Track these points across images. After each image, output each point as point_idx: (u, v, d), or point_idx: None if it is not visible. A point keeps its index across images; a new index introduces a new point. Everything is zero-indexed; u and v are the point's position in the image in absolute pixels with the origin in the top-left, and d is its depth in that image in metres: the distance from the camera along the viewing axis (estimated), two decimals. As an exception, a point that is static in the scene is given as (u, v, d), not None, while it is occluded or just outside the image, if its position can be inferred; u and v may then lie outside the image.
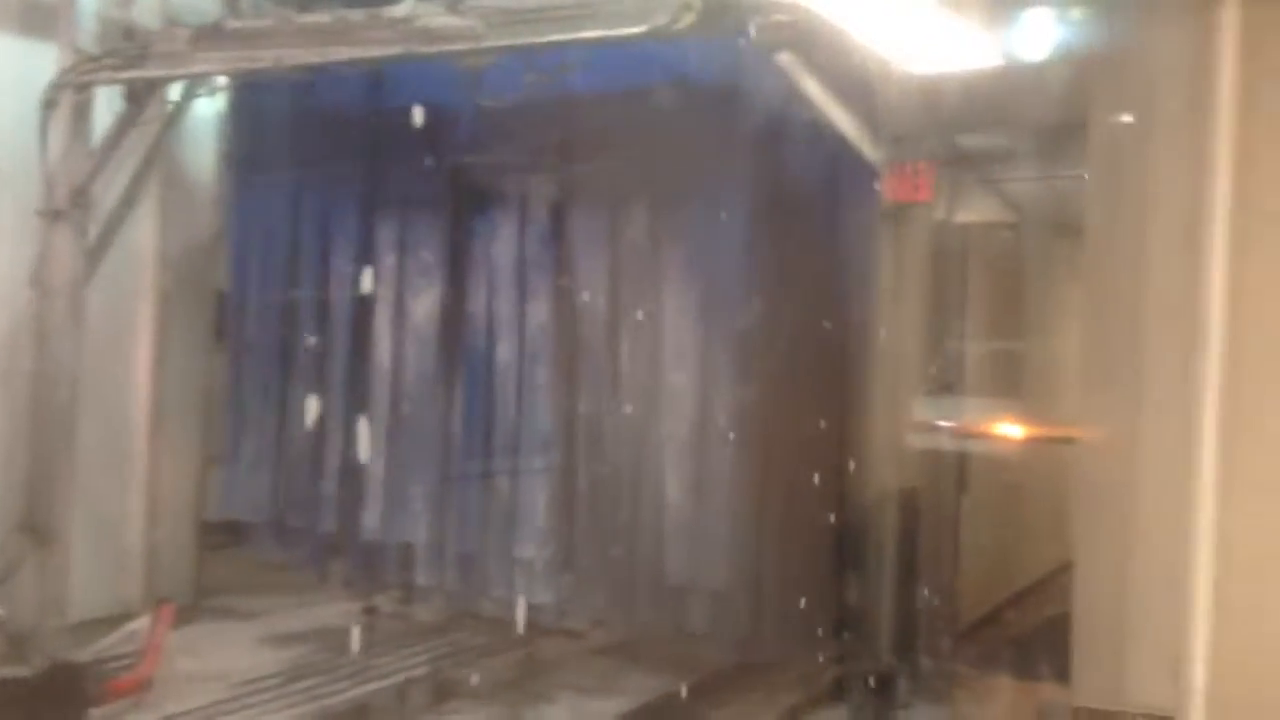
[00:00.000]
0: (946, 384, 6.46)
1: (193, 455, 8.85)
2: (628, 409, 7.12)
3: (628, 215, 7.07)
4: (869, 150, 5.64)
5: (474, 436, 7.59)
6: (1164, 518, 3.80)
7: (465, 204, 7.65)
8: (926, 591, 6.39)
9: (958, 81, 5.71)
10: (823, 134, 5.97)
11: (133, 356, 8.47)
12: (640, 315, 7.06)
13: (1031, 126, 6.17)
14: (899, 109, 5.52)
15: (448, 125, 7.43)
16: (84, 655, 6.94)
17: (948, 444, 6.48)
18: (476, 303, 7.58)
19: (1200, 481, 3.70)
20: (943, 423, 6.39)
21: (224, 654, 7.87)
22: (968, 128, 6.10)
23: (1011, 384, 7.79)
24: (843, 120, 5.68)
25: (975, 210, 6.38)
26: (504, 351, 7.46)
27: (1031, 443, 7.47)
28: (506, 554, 7.44)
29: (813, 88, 5.62)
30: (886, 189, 5.62)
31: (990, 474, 7.26)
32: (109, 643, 7.22)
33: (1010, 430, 7.26)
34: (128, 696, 6.81)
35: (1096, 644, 3.83)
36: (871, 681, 5.85)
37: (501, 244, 7.49)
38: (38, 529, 7.11)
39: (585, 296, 7.24)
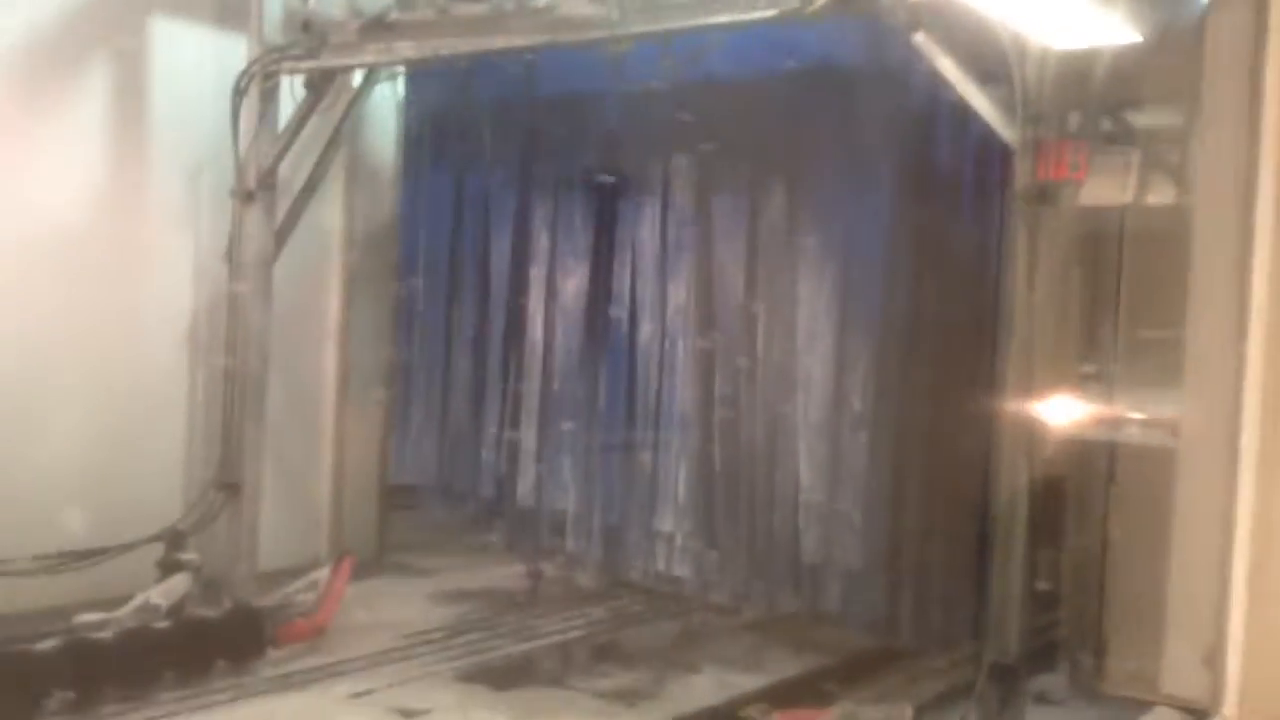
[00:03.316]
0: (1096, 372, 6.21)
1: (377, 421, 9.38)
2: (766, 389, 7.17)
3: (767, 198, 7.09)
4: (1005, 132, 5.48)
5: (617, 411, 7.81)
6: (1201, 508, 3.64)
7: (612, 187, 7.85)
8: (1070, 582, 6.19)
9: (1109, 56, 5.47)
10: (962, 114, 5.84)
11: (322, 329, 9.05)
12: (779, 297, 7.09)
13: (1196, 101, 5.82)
14: (1037, 88, 5.33)
15: (593, 111, 7.64)
16: (266, 601, 7.48)
17: (1096, 434, 6.22)
18: (621, 283, 7.79)
19: (1240, 472, 3.52)
20: (1091, 411, 6.14)
21: (396, 607, 8.37)
22: (1124, 104, 5.82)
23: (1170, 373, 7.33)
24: (979, 101, 5.53)
25: (1131, 191, 6.07)
26: (646, 331, 7.64)
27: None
28: (647, 527, 7.64)
29: (949, 68, 5.51)
30: (1024, 170, 5.45)
31: (1142, 466, 6.90)
32: (290, 590, 7.72)
33: (1162, 421, 6.86)
34: (303, 641, 7.31)
35: (1130, 634, 3.68)
36: (1001, 672, 5.72)
37: (645, 227, 7.65)
38: (230, 485, 7.78)
39: (724, 278, 7.31)
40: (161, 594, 7.04)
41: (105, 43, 7.68)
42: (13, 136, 7.24)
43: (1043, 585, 6.55)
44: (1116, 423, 6.12)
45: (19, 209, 7.21)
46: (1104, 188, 5.98)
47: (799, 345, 7.00)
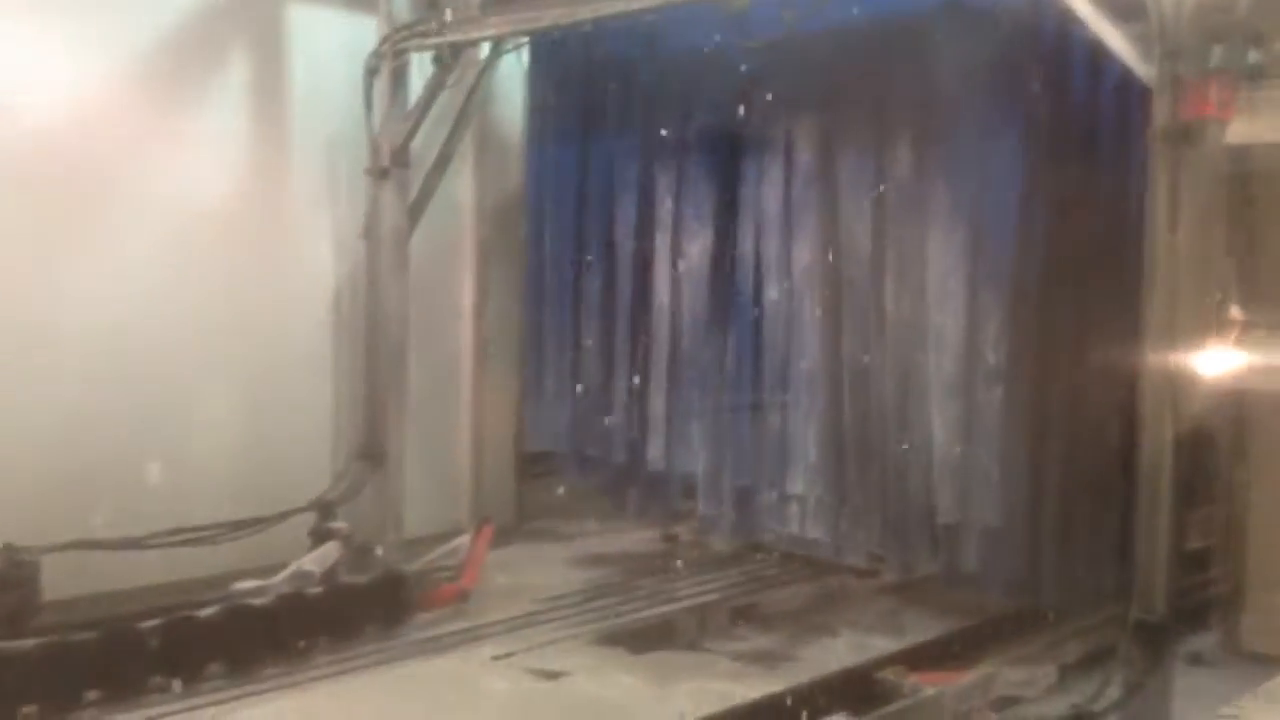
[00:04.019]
0: (1244, 320, 5.90)
1: (512, 390, 9.56)
2: (896, 345, 7.02)
3: (893, 151, 6.92)
4: (1142, 70, 5.22)
5: (744, 373, 7.76)
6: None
7: (734, 147, 7.77)
8: (1217, 537, 5.92)
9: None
10: (1096, 53, 5.60)
11: (457, 301, 9.26)
12: (907, 249, 6.93)
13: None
14: (1174, 21, 5.06)
15: (716, 70, 7.57)
16: (412, 567, 7.69)
17: (1246, 384, 5.92)
18: (745, 244, 7.70)
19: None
20: (1239, 361, 5.85)
21: (535, 572, 8.52)
22: (1266, 36, 5.48)
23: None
24: (1113, 39, 5.28)
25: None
26: (772, 291, 7.56)
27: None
28: (779, 489, 7.59)
29: (1080, 3, 5.27)
30: (1163, 109, 5.19)
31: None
32: (434, 556, 7.91)
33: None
34: (448, 605, 7.51)
35: (1267, 593, 3.47)
36: (1147, 630, 5.51)
37: (769, 186, 7.53)
38: (375, 455, 8.04)
39: (850, 234, 7.18)
40: (314, 561, 7.32)
41: (244, 28, 7.95)
42: (168, 126, 7.56)
43: (1195, 543, 6.29)
44: (1267, 371, 5.81)
45: (173, 191, 7.53)
46: (1257, 125, 5.66)
47: (929, 298, 6.83)
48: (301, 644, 6.70)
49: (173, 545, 7.16)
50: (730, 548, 8.78)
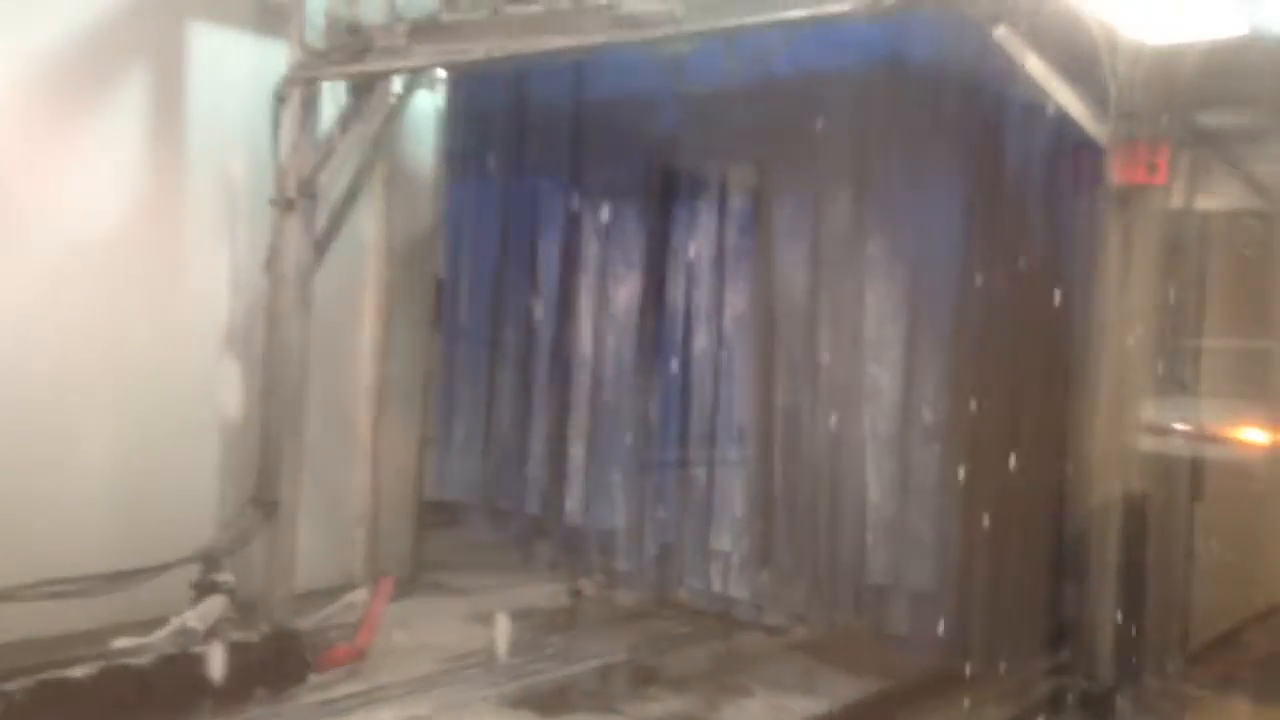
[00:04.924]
0: (1180, 383, 5.97)
1: (413, 436, 9.16)
2: (830, 401, 6.92)
3: (831, 202, 6.86)
4: (1094, 129, 5.25)
5: (671, 425, 7.57)
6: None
7: (666, 192, 7.64)
8: (1154, 604, 5.93)
9: (1198, 53, 5.24)
10: (1043, 113, 5.62)
11: (358, 342, 8.82)
12: (842, 305, 6.85)
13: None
14: (1129, 84, 5.11)
15: (650, 114, 7.43)
16: (305, 624, 7.26)
17: (1180, 448, 5.99)
18: (675, 291, 7.56)
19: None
20: (1175, 424, 5.91)
21: (436, 629, 8.13)
22: (1208, 104, 5.60)
23: (1257, 385, 7.10)
24: (1066, 97, 5.30)
25: (1217, 195, 5.87)
26: (702, 340, 7.42)
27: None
28: (703, 545, 7.40)
29: (1033, 63, 5.28)
30: (1115, 170, 5.23)
31: (1230, 481, 6.68)
32: (329, 612, 7.53)
33: (1254, 435, 6.63)
34: (343, 665, 7.08)
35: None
36: (1090, 699, 5.47)
37: (701, 232, 7.42)
38: (267, 503, 7.54)
39: (785, 286, 7.08)
40: (198, 617, 6.84)
41: (142, 49, 7.47)
42: (49, 145, 7.03)
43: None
44: (1201, 436, 5.88)
45: (54, 218, 7.01)
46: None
47: (866, 355, 6.75)
48: (186, 708, 6.20)
49: (43, 598, 6.57)
50: (639, 604, 8.53)
